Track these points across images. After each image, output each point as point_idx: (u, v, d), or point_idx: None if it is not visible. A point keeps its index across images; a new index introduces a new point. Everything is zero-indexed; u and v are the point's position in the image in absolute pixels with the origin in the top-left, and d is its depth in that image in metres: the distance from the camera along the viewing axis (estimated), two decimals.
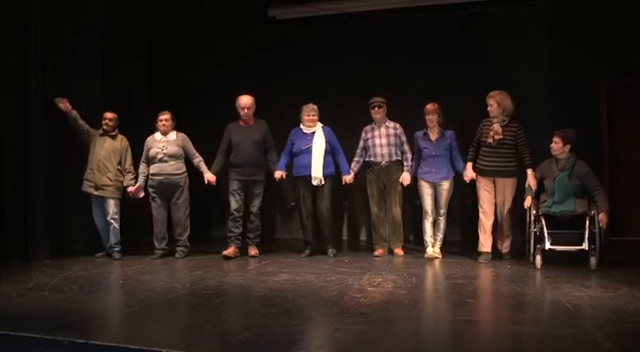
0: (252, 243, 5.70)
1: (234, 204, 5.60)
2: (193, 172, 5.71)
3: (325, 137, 5.59)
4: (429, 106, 5.52)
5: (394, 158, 5.68)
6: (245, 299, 3.63)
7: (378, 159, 5.68)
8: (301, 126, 5.68)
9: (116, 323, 3.15)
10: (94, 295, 3.78)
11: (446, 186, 5.46)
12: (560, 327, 2.83)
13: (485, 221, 5.29)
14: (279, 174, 5.62)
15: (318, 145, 5.54)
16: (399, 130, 5.70)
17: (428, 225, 5.53)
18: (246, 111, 5.61)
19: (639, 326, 2.87)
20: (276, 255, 5.71)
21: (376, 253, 5.62)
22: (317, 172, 5.48)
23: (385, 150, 5.66)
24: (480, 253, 5.27)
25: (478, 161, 5.38)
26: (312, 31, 7.13)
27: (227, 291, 3.78)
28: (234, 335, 2.75)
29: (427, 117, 5.50)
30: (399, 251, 5.65)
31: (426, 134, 5.54)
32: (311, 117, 5.60)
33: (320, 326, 2.92)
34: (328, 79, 6.95)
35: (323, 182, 5.52)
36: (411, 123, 5.70)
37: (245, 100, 5.61)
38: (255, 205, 5.65)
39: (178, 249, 5.59)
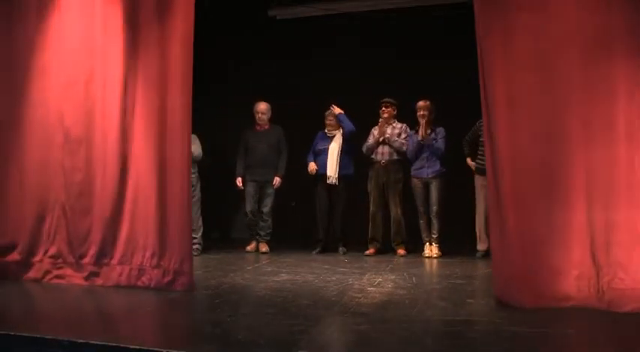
0: (263, 240, 5.97)
1: (248, 204, 5.97)
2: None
3: (344, 137, 5.85)
4: (421, 103, 5.62)
5: (394, 157, 5.73)
6: (245, 299, 3.62)
7: (378, 157, 5.75)
8: (325, 130, 6.02)
9: (116, 323, 3.14)
10: (95, 295, 3.78)
11: (437, 182, 5.50)
12: (559, 327, 2.83)
13: (483, 219, 5.41)
14: (312, 166, 5.90)
15: (334, 146, 5.83)
16: (403, 128, 5.75)
17: (422, 224, 5.59)
18: (260, 115, 6.02)
19: (638, 325, 2.87)
20: (277, 254, 5.72)
21: (367, 252, 5.66)
22: (331, 171, 5.75)
23: (386, 149, 5.73)
24: (478, 250, 5.47)
25: (478, 160, 5.45)
26: (312, 31, 7.12)
27: (227, 291, 3.78)
28: (234, 335, 2.75)
29: (419, 114, 5.58)
30: (401, 251, 5.66)
31: (417, 131, 5.59)
32: (326, 122, 5.96)
33: (320, 326, 2.92)
34: (328, 79, 6.95)
35: (336, 181, 5.74)
36: (415, 121, 5.72)
37: (261, 106, 6.04)
38: (267, 205, 5.96)
39: (194, 246, 5.67)
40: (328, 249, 5.90)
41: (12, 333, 2.68)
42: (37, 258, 4.15)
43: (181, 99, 3.87)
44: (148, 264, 3.90)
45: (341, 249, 5.82)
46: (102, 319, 3.24)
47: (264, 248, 5.90)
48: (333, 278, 4.28)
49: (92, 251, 4.04)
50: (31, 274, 4.13)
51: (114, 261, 4.00)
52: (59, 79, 4.20)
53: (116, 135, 4.05)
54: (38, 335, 2.65)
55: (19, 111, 4.26)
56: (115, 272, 3.97)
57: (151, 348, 2.43)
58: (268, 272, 4.61)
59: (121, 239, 4.00)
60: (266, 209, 5.96)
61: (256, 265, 5.05)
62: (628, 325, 2.89)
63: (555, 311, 3.11)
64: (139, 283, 3.89)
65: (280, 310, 3.22)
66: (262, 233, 5.97)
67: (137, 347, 2.45)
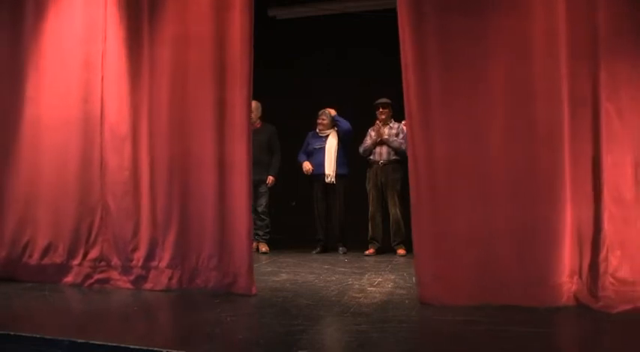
0: (262, 240, 5.96)
1: None
2: None
3: (339, 137, 5.85)
4: None
5: (392, 157, 5.73)
6: (245, 299, 3.62)
7: (377, 158, 5.77)
8: (317, 130, 5.98)
9: (116, 323, 3.14)
10: (95, 295, 3.78)
11: None
12: (559, 327, 2.83)
13: None
14: (308, 166, 5.88)
15: (330, 144, 5.82)
16: (401, 128, 5.75)
17: None
18: None
19: (638, 326, 2.88)
20: (277, 254, 5.72)
21: (367, 252, 5.67)
22: (329, 169, 5.74)
23: (384, 150, 5.74)
24: None
25: None
26: (312, 31, 7.13)
27: (227, 291, 3.77)
28: (234, 335, 2.75)
29: None
30: (401, 251, 5.67)
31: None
32: (325, 122, 5.90)
33: (320, 326, 2.92)
34: (329, 80, 6.95)
35: (334, 180, 5.74)
36: None
37: None
38: (262, 204, 5.93)
39: None
40: (328, 249, 5.92)
41: (12, 333, 2.69)
42: (76, 261, 4.00)
43: (241, 94, 3.72)
44: (204, 266, 3.74)
45: (341, 249, 5.84)
46: (101, 319, 3.24)
47: (263, 248, 5.90)
48: (333, 278, 4.28)
49: (139, 253, 3.87)
50: (70, 278, 3.99)
51: (162, 264, 3.82)
52: (104, 72, 4.05)
53: (165, 131, 3.87)
54: (38, 336, 2.65)
55: (60, 107, 4.11)
56: (165, 275, 3.80)
57: (150, 348, 2.43)
58: (268, 272, 4.61)
59: (171, 240, 3.81)
60: (261, 208, 5.92)
61: (256, 265, 5.04)
62: (629, 325, 2.89)
63: (555, 311, 3.12)
64: (192, 286, 3.75)
65: (280, 310, 3.22)
66: (261, 232, 5.97)
67: (137, 347, 2.45)
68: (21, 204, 4.16)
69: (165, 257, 3.83)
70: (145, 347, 2.43)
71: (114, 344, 2.50)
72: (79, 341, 2.55)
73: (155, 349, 2.42)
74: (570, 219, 3.23)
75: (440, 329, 2.88)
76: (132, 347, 2.45)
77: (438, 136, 3.40)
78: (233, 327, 2.90)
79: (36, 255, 4.09)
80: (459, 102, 3.39)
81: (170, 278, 3.80)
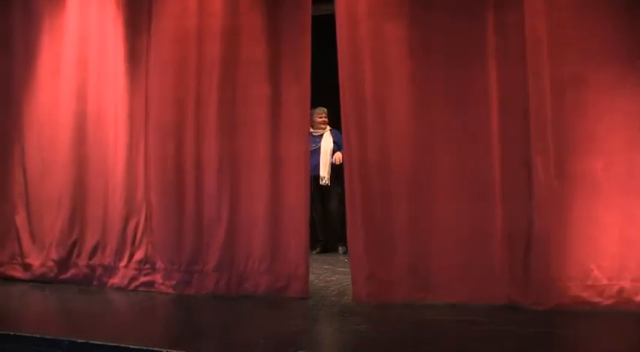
0: None
1: None
2: None
3: (333, 138, 5.74)
4: None
5: None
6: (245, 299, 3.62)
7: None
8: (310, 129, 5.80)
9: (116, 323, 3.15)
10: (94, 295, 3.78)
11: None
12: (560, 327, 2.83)
13: None
14: None
15: (326, 145, 5.71)
16: None
17: None
18: None
19: (639, 325, 2.88)
20: None
21: None
22: (324, 172, 5.64)
23: None
24: None
25: None
26: (313, 31, 7.11)
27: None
28: (234, 335, 2.75)
29: None
30: None
31: None
32: (323, 119, 5.77)
33: (320, 326, 2.92)
34: (329, 79, 6.94)
35: (329, 182, 5.66)
36: None
37: None
38: None
39: None
40: (328, 249, 5.91)
41: (12, 333, 2.69)
42: (122, 263, 3.85)
43: (298, 91, 3.60)
44: (254, 269, 3.57)
45: (341, 249, 5.80)
46: (102, 319, 3.24)
47: None
48: (333, 278, 4.27)
49: (183, 256, 3.68)
50: (116, 280, 3.83)
51: (208, 267, 3.62)
52: (148, 65, 3.89)
53: (213, 127, 3.67)
54: (38, 335, 2.65)
55: (105, 102, 3.99)
56: (210, 279, 3.61)
57: (150, 348, 2.43)
58: None
59: (219, 241, 3.61)
60: None
61: None
62: (629, 325, 2.89)
63: (556, 311, 3.11)
64: (240, 291, 3.57)
65: (280, 310, 3.22)
66: None
67: (137, 347, 2.45)
68: (68, 202, 3.99)
69: (211, 260, 3.63)
70: (145, 347, 2.44)
71: (114, 344, 2.50)
72: (79, 341, 2.55)
73: (155, 349, 2.42)
74: (501, 218, 3.28)
75: (440, 329, 2.88)
76: (132, 347, 2.45)
77: (371, 138, 3.46)
78: (233, 327, 2.90)
79: (84, 255, 3.95)
80: (391, 103, 3.46)
81: (217, 283, 3.61)
